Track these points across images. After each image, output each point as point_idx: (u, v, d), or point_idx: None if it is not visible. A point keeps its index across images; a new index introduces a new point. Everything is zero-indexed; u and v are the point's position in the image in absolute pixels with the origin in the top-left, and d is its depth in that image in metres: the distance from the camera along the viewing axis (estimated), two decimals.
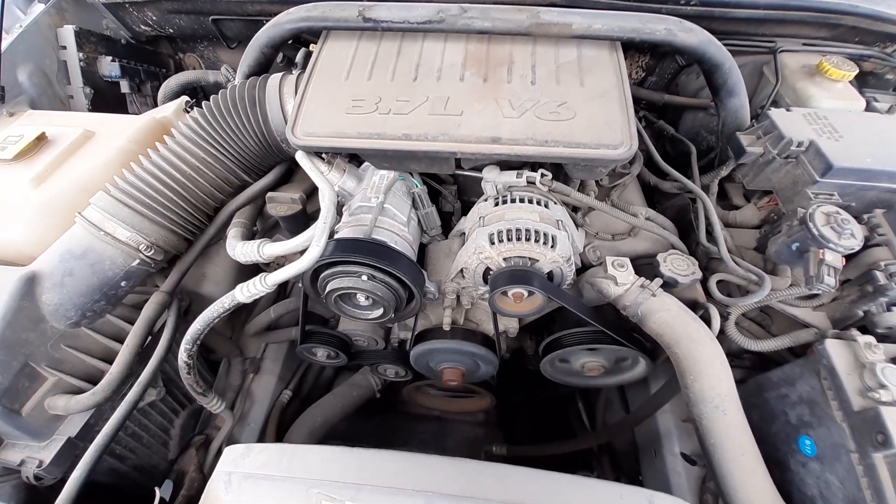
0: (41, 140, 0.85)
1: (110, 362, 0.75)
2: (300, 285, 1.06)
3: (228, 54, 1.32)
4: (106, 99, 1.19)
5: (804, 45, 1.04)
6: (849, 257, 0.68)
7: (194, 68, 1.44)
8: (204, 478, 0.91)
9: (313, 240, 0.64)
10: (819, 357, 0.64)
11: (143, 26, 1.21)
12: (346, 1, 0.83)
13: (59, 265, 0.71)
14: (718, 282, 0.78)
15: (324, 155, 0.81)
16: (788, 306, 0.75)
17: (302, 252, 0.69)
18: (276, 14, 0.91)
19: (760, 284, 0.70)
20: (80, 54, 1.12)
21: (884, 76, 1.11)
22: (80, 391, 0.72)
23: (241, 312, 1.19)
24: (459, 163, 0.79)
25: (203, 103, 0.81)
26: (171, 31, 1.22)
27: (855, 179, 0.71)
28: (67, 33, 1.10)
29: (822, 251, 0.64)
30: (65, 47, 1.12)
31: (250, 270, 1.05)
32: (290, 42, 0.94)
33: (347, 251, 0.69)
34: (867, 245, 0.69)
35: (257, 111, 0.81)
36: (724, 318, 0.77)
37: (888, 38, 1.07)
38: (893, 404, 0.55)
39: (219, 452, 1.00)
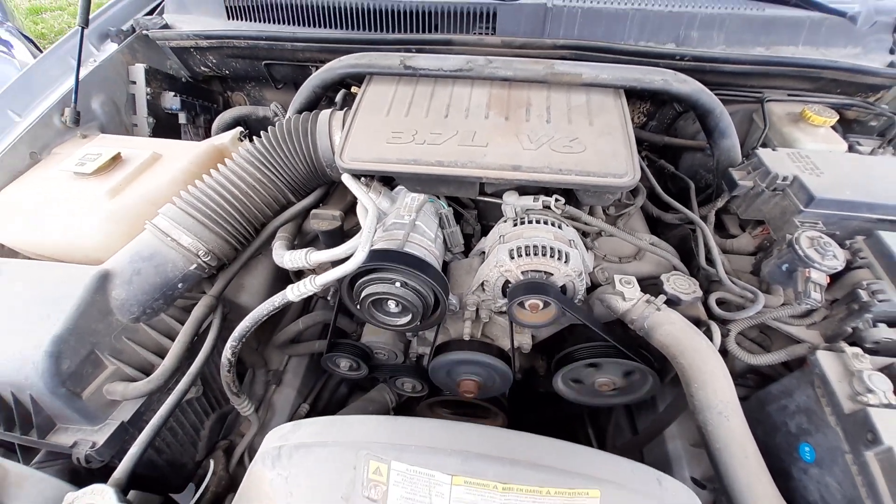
0: (116, 159, 0.99)
1: (162, 356, 0.83)
2: (328, 298, 1.15)
3: (273, 93, 1.50)
4: (164, 128, 1.34)
5: (789, 95, 1.17)
6: (834, 278, 0.76)
7: (240, 104, 1.62)
8: (230, 476, 0.95)
9: (359, 246, 0.73)
10: (813, 367, 0.71)
11: (202, 68, 1.39)
12: (388, 52, 0.99)
13: (129, 265, 0.81)
14: (718, 300, 0.86)
15: (362, 178, 0.93)
16: (784, 325, 0.82)
17: (338, 262, 0.78)
18: (323, 61, 1.07)
19: (755, 300, 0.78)
20: (148, 89, 1.29)
21: (867, 123, 1.23)
22: (134, 380, 0.79)
23: (267, 325, 1.27)
24: (483, 188, 0.90)
25: (262, 133, 0.94)
26: (226, 72, 1.40)
27: (836, 210, 0.81)
28: (138, 71, 1.28)
29: (808, 270, 0.73)
30: (134, 82, 1.29)
31: (283, 285, 1.15)
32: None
33: (384, 259, 0.78)
34: (851, 267, 0.78)
35: (308, 140, 0.94)
36: (725, 335, 0.83)
37: (869, 88, 1.20)
38: (880, 406, 0.61)
39: (240, 460, 1.04)
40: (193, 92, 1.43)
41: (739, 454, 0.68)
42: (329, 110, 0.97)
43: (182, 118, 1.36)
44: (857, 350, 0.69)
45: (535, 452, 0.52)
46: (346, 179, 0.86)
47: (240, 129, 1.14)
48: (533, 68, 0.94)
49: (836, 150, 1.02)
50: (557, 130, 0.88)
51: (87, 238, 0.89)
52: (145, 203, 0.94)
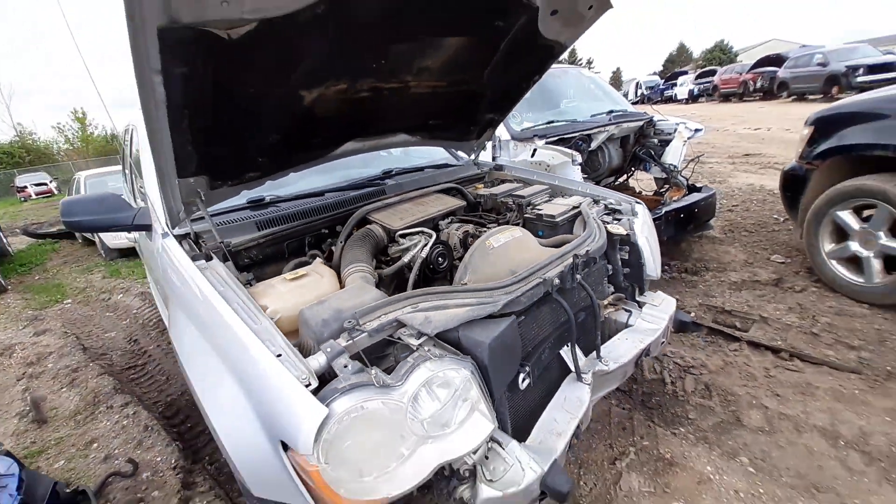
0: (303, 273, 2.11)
1: None
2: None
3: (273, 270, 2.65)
4: None
5: None
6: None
7: None
8: None
9: (432, 239, 2.36)
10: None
11: (245, 261, 2.46)
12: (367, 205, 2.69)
13: (362, 280, 2.05)
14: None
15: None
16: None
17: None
18: (319, 228, 2.60)
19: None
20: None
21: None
22: None
23: None
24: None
25: (353, 235, 2.37)
26: (260, 257, 2.51)
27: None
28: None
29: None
30: None
31: None
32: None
33: (436, 239, 2.42)
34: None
35: (373, 234, 2.44)
36: None
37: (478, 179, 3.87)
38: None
39: None
40: None
41: None
42: (373, 225, 2.53)
43: None
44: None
45: None
46: (404, 231, 2.45)
47: (318, 257, 2.41)
48: (416, 192, 2.90)
49: None
50: (434, 204, 2.84)
51: (318, 294, 2.00)
52: (330, 276, 2.13)
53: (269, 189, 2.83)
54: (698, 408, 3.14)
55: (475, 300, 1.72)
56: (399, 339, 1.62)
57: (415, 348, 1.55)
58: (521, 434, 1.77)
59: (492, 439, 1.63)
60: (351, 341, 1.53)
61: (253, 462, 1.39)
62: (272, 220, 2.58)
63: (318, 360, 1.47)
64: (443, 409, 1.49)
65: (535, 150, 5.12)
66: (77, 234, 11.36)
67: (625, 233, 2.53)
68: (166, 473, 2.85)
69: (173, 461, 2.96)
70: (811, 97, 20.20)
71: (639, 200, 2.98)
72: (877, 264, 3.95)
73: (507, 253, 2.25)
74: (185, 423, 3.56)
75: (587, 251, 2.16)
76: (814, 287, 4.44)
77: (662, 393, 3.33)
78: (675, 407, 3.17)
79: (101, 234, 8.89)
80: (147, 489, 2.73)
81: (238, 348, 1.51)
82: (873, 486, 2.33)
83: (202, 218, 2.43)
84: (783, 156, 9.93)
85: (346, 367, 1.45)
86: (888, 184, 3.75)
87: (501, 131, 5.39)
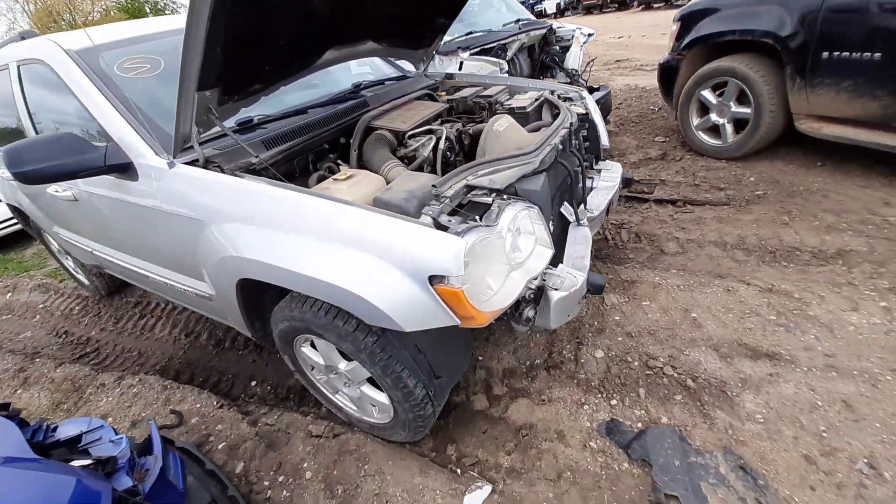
0: (350, 174, 2.29)
1: None
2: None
3: None
4: None
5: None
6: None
7: None
8: None
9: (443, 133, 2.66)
10: None
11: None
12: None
13: (407, 174, 2.32)
14: None
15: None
16: None
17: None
18: (321, 143, 2.71)
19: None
20: None
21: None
22: None
23: None
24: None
25: (368, 141, 2.56)
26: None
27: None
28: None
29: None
30: None
31: None
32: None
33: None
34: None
35: (385, 137, 2.64)
36: None
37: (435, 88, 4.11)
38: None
39: None
40: None
41: None
42: (381, 130, 2.70)
43: None
44: None
45: None
46: (412, 133, 2.69)
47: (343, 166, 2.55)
48: (402, 100, 3.08)
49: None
50: (423, 109, 3.08)
51: (374, 188, 2.25)
52: (374, 175, 2.36)
53: (253, 111, 2.75)
54: (634, 249, 4.16)
55: (518, 164, 2.16)
56: (472, 200, 2.01)
57: (491, 202, 1.96)
58: (556, 263, 2.36)
59: (547, 267, 2.18)
60: (441, 205, 1.88)
61: (403, 305, 1.72)
62: (276, 139, 2.58)
63: (426, 220, 1.80)
64: (519, 241, 1.97)
65: (461, 62, 5.40)
66: None
67: (584, 111, 3.13)
68: (215, 412, 2.94)
69: (215, 402, 3.03)
70: (655, 5, 23.03)
71: (581, 88, 3.59)
72: (729, 128, 5.28)
73: (508, 135, 2.68)
74: (195, 380, 3.53)
75: (572, 123, 2.70)
76: (688, 155, 5.76)
77: (608, 247, 4.28)
78: (618, 253, 4.14)
79: None
80: (206, 427, 2.82)
81: (356, 224, 1.76)
82: (755, 268, 3.53)
83: (207, 142, 2.37)
84: (646, 59, 11.60)
85: (450, 220, 1.81)
86: (735, 62, 4.94)
87: None
